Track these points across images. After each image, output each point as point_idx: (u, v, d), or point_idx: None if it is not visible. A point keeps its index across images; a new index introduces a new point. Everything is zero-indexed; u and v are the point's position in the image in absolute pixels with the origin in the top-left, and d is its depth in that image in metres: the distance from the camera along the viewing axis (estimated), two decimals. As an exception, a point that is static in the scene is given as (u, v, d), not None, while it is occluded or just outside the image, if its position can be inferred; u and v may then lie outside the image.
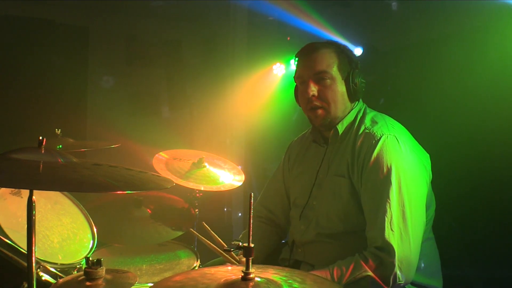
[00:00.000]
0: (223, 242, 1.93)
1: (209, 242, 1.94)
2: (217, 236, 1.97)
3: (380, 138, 1.71)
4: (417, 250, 1.66)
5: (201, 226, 2.08)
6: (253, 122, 4.30)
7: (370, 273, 1.61)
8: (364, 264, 1.62)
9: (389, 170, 1.65)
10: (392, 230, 1.61)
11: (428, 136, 1.86)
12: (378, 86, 1.89)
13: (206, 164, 2.38)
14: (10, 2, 3.83)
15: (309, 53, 1.84)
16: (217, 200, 4.37)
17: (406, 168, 1.68)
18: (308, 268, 1.86)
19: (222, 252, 1.84)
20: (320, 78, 1.78)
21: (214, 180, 2.34)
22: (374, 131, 1.74)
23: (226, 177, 2.39)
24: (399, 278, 1.60)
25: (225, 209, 4.60)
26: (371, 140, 1.72)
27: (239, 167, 2.52)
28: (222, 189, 2.34)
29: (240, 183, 2.38)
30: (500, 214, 2.20)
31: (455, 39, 2.43)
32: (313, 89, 1.78)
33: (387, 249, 1.60)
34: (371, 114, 1.86)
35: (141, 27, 4.63)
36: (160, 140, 3.72)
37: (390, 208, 1.62)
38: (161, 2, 4.26)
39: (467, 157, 2.24)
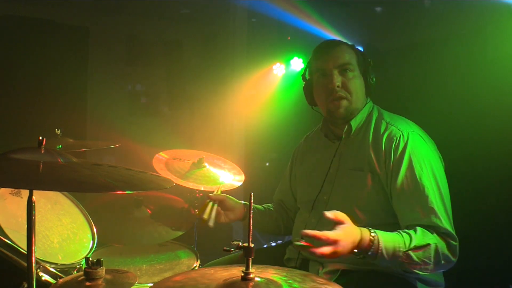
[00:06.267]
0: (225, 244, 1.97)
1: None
2: None
3: (407, 135, 1.77)
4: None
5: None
6: (253, 122, 4.29)
7: (440, 239, 1.61)
8: (430, 233, 1.62)
9: (423, 163, 1.72)
10: (441, 215, 1.64)
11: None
12: (378, 86, 1.91)
13: (206, 164, 2.38)
14: (10, 2, 3.82)
15: (331, 47, 1.92)
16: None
17: (435, 161, 1.77)
18: (317, 266, 1.85)
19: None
20: (344, 70, 1.86)
21: (214, 180, 2.34)
22: (400, 128, 1.81)
23: (226, 177, 2.38)
24: (456, 255, 1.63)
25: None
26: (398, 136, 1.78)
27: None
28: (222, 189, 2.34)
29: (240, 183, 2.38)
30: (505, 212, 2.20)
31: (455, 39, 2.43)
32: (338, 80, 1.84)
33: (446, 230, 1.63)
34: (385, 112, 1.94)
35: (141, 27, 4.62)
36: (160, 140, 3.72)
37: (433, 193, 1.67)
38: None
39: (467, 156, 2.25)
